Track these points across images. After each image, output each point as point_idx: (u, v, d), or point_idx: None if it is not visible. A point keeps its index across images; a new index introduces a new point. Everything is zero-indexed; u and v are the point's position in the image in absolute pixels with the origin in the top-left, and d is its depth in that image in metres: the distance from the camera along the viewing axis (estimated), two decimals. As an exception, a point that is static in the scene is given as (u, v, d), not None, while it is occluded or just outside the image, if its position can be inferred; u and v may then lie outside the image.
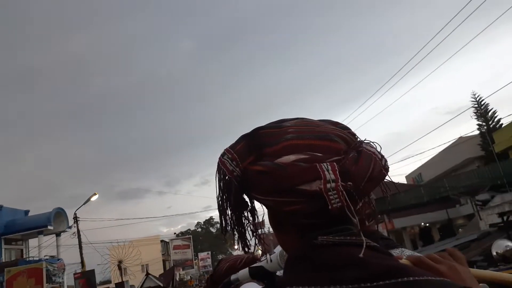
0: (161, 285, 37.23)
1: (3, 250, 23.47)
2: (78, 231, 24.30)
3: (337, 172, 0.58)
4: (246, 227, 0.72)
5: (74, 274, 22.59)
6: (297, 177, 0.59)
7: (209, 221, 76.58)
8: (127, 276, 31.57)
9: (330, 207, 0.57)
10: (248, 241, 0.72)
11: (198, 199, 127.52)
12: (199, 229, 75.15)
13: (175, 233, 68.00)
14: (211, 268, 57.56)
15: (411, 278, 0.54)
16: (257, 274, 0.83)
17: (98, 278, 23.59)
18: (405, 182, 35.03)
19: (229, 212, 0.71)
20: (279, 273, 0.64)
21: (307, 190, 0.58)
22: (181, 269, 49.48)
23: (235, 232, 0.72)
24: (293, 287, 0.55)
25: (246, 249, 0.72)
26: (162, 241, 52.67)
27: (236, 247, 0.73)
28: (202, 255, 56.46)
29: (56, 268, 23.52)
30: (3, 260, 23.00)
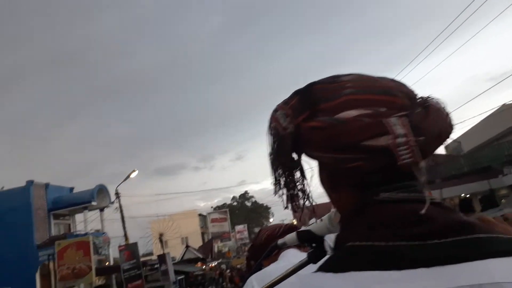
0: (201, 256, 38.60)
1: (52, 224, 24.93)
2: (120, 206, 25.38)
3: (409, 126, 0.56)
4: (296, 187, 0.70)
5: (119, 246, 23.69)
6: (361, 133, 0.57)
7: (244, 195, 77.96)
8: (168, 248, 32.90)
9: (398, 163, 0.55)
10: (297, 202, 0.70)
11: (232, 174, 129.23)
12: (235, 203, 76.57)
13: (211, 207, 69.81)
14: (247, 240, 58.83)
15: (481, 235, 0.52)
16: (305, 238, 0.83)
17: (141, 251, 24.70)
18: (445, 153, 34.01)
19: (280, 171, 0.69)
20: (327, 237, 0.62)
21: (373, 146, 0.56)
22: (219, 241, 50.93)
23: (285, 192, 0.70)
24: (356, 242, 0.54)
25: (296, 210, 0.71)
26: (199, 214, 54.15)
27: (287, 207, 0.71)
28: (238, 227, 57.76)
29: (101, 241, 24.82)
30: (53, 234, 24.48)
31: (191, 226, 48.37)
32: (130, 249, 23.11)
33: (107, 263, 26.26)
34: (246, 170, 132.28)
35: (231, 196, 79.96)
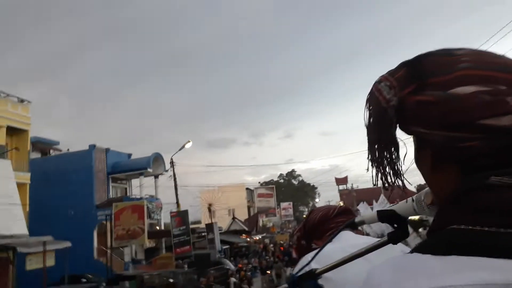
0: (246, 229, 39.54)
1: (110, 187, 26.51)
2: (174, 174, 26.38)
3: None
4: (390, 164, 0.66)
5: (171, 212, 24.78)
6: (479, 110, 0.53)
7: (291, 173, 78.13)
8: (216, 219, 33.94)
9: None
10: (387, 180, 0.67)
11: (281, 152, 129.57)
12: (282, 180, 77.07)
13: (259, 182, 70.74)
14: (292, 218, 59.33)
15: None
16: (387, 217, 0.80)
17: (190, 218, 25.69)
18: None
19: (377, 146, 0.66)
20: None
21: (493, 125, 0.52)
22: (264, 216, 51.76)
23: (380, 168, 0.67)
24: (461, 226, 0.51)
25: (386, 188, 0.68)
26: (247, 188, 55.14)
27: (376, 184, 0.69)
28: (284, 204, 58.26)
29: (154, 207, 26.10)
30: (111, 196, 26.08)
31: (238, 199, 49.46)
32: (181, 216, 24.12)
33: (158, 228, 27.65)
34: (295, 148, 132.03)
35: (278, 173, 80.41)
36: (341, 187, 53.41)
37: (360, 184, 53.54)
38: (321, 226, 1.84)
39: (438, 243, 0.52)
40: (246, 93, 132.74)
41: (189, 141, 26.78)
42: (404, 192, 0.70)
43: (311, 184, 78.65)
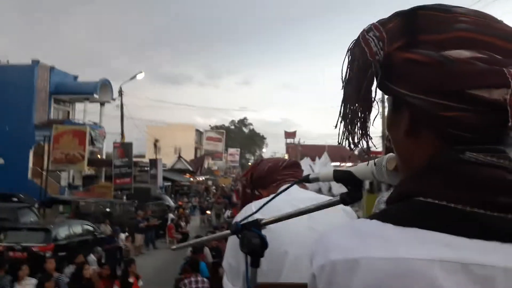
0: (191, 169, 39.81)
1: (52, 108, 25.14)
2: (122, 104, 25.50)
3: None
4: (361, 122, 0.61)
5: (114, 143, 24.26)
6: (472, 79, 0.48)
7: (243, 121, 78.64)
8: (161, 155, 33.73)
9: (510, 123, 0.48)
10: (354, 139, 0.62)
11: (236, 98, 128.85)
12: (232, 127, 77.48)
13: (209, 125, 70.61)
14: (237, 164, 60.56)
15: None
16: (342, 178, 0.78)
17: (134, 151, 25.29)
18: None
19: (352, 102, 0.60)
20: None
21: (483, 97, 0.48)
22: (210, 159, 52.30)
23: (349, 126, 0.61)
24: (428, 199, 0.48)
25: (353, 147, 0.63)
26: (197, 130, 54.90)
27: (340, 142, 0.63)
28: (231, 150, 59.09)
29: (97, 134, 25.27)
30: (52, 118, 24.80)
31: (186, 139, 49.29)
32: (124, 148, 23.68)
33: (99, 156, 27.01)
34: (250, 96, 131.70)
35: (230, 119, 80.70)
36: (288, 140, 54.60)
37: (306, 140, 55.09)
38: (268, 177, 1.84)
39: (401, 213, 0.51)
40: (210, 27, 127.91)
41: (141, 72, 25.78)
42: (368, 155, 0.65)
43: (261, 134, 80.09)
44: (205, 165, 47.99)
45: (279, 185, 1.75)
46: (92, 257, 9.08)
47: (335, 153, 26.21)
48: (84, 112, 26.41)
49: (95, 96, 25.48)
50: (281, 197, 1.24)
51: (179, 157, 41.28)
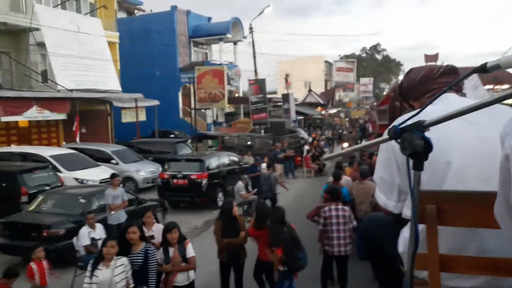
0: (322, 102, 39.61)
1: (192, 51, 27.12)
2: (253, 41, 26.14)
3: None
4: None
5: (249, 80, 25.29)
6: None
7: (375, 47, 73.05)
8: (292, 90, 34.10)
9: None
10: None
11: (367, 23, 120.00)
12: (364, 55, 72.88)
13: (339, 55, 67.90)
14: (371, 94, 57.68)
15: None
16: None
17: (266, 88, 26.07)
18: None
19: None
20: None
21: None
22: (341, 91, 50.93)
23: None
24: None
25: None
26: (326, 61, 53.49)
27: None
28: (363, 80, 56.24)
29: (233, 74, 26.64)
30: (193, 60, 26.87)
31: (315, 72, 48.58)
32: (258, 84, 24.58)
33: (236, 94, 28.66)
34: (383, 19, 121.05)
35: (361, 47, 75.83)
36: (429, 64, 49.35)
37: (451, 63, 48.98)
38: (421, 86, 1.66)
39: None
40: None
41: (268, 5, 25.64)
42: None
43: (397, 60, 73.60)
44: (336, 97, 47.10)
45: (434, 95, 1.60)
46: (240, 184, 10.02)
47: (488, 74, 22.89)
48: (220, 53, 27.90)
49: (228, 35, 26.54)
50: (437, 107, 1.10)
51: (310, 90, 41.20)
